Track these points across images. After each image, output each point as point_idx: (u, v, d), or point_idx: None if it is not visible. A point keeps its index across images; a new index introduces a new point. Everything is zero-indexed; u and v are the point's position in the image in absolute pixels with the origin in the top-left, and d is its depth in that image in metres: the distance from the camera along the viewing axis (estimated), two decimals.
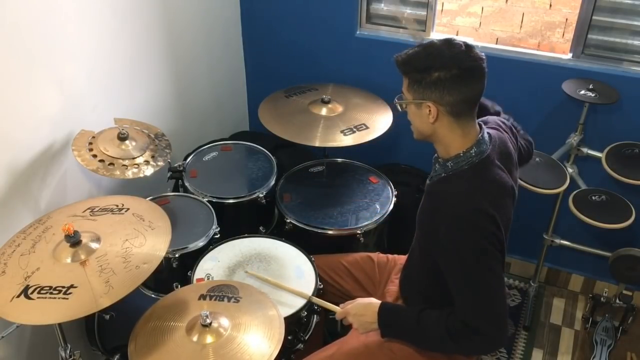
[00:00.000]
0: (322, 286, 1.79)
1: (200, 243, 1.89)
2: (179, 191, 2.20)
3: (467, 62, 1.35)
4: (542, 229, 2.46)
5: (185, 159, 2.26)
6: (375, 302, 1.59)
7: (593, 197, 2.19)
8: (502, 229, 1.38)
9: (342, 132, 2.14)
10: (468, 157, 1.43)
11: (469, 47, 1.37)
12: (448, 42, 1.38)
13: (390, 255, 1.92)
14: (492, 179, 1.43)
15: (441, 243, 1.39)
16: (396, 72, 1.45)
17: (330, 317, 2.05)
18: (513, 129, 1.66)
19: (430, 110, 1.39)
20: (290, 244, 1.92)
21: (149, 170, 1.84)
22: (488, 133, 1.48)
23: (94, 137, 1.86)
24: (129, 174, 1.80)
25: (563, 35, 3.08)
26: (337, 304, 1.67)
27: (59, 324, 1.53)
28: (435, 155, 1.51)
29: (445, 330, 1.42)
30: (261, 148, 2.32)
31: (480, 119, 1.51)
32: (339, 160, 2.35)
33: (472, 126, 1.44)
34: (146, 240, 1.53)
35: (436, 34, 2.47)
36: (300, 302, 1.70)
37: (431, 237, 1.43)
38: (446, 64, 1.35)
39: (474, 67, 1.36)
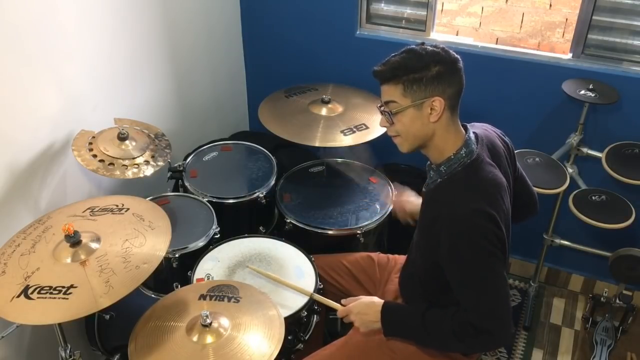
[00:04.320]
0: (322, 286, 1.79)
1: (200, 243, 1.89)
2: (179, 191, 2.20)
3: (451, 56, 1.40)
4: (542, 229, 2.46)
5: (185, 159, 2.25)
6: (377, 301, 1.59)
7: (593, 197, 2.19)
8: (502, 227, 1.38)
9: (342, 132, 2.14)
10: (459, 158, 1.43)
11: (441, 46, 1.42)
12: (424, 44, 1.42)
13: (390, 255, 1.92)
14: (486, 178, 1.43)
15: (443, 246, 1.39)
16: None
17: (331, 316, 2.05)
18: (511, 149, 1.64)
19: (432, 109, 1.39)
20: (290, 244, 1.92)
21: (149, 170, 1.84)
22: (474, 132, 1.50)
23: (94, 137, 1.86)
24: (129, 174, 1.79)
25: (563, 35, 3.08)
26: (338, 302, 1.67)
27: (59, 324, 1.53)
28: (429, 162, 1.52)
29: (450, 329, 1.42)
30: (261, 148, 2.32)
31: (465, 123, 1.52)
32: (339, 160, 2.35)
33: (459, 123, 1.47)
34: (146, 240, 1.53)
35: (436, 34, 2.47)
36: (300, 302, 1.70)
37: (433, 242, 1.43)
38: (440, 58, 1.38)
39: (457, 59, 1.41)
